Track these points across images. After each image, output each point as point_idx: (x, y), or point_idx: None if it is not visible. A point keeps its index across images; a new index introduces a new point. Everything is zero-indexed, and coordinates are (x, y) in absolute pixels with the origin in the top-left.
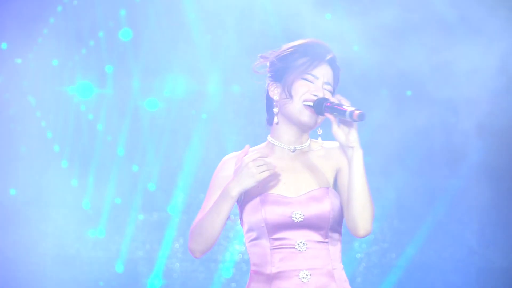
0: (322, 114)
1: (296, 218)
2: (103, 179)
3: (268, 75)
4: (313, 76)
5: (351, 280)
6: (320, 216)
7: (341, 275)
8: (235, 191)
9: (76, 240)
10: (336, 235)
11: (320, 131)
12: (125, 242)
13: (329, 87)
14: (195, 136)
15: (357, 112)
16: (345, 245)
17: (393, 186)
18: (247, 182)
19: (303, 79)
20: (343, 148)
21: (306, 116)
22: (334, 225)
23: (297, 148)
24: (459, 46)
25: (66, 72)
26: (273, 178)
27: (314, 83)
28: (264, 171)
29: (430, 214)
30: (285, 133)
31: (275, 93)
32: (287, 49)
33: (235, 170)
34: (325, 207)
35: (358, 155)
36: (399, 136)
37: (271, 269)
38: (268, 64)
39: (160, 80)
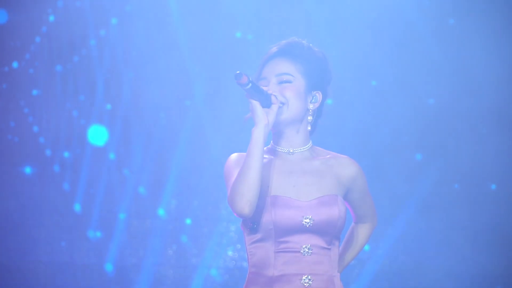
0: (268, 106)
1: (306, 223)
2: (94, 185)
3: None
4: (263, 79)
5: (345, 286)
6: (329, 223)
7: (339, 282)
8: (257, 126)
9: (68, 247)
10: (337, 243)
11: (309, 128)
12: (118, 249)
13: (286, 77)
14: (185, 141)
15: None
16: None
17: (386, 192)
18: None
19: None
20: None
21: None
22: (338, 233)
23: (296, 151)
24: None
25: (58, 80)
26: (281, 180)
27: (268, 86)
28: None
29: (424, 221)
30: (276, 137)
31: None
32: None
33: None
34: (334, 214)
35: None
36: (391, 141)
37: (273, 272)
38: None
39: (149, 86)
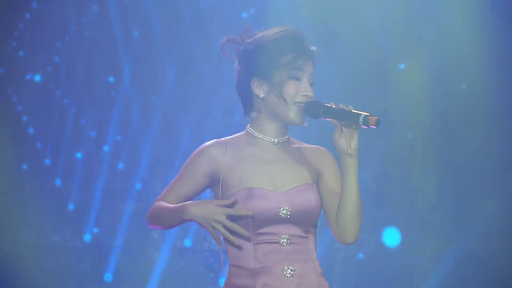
0: (315, 117)
1: (283, 213)
2: (85, 171)
3: (244, 67)
4: (301, 71)
5: (330, 270)
6: (306, 212)
7: (319, 268)
8: (188, 216)
9: (54, 230)
10: (314, 230)
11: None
12: (104, 232)
13: (312, 79)
14: (172, 127)
15: (374, 117)
16: (323, 235)
17: (372, 176)
18: (202, 222)
19: (291, 78)
20: (341, 155)
21: (299, 116)
22: (315, 220)
23: (280, 141)
24: None
25: (45, 65)
26: (257, 171)
27: (301, 80)
28: (221, 229)
29: (409, 204)
30: (268, 126)
31: (261, 90)
32: (268, 41)
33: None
34: (311, 203)
35: (356, 164)
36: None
37: (254, 264)
38: (242, 52)
39: (141, 74)
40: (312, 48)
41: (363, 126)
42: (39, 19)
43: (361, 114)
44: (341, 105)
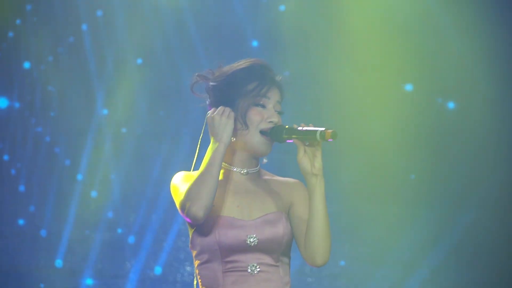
0: (281, 141)
1: (250, 241)
2: (61, 203)
3: (212, 99)
4: (266, 98)
5: None
6: (274, 240)
7: None
8: (225, 139)
9: (29, 258)
10: (286, 259)
11: (265, 161)
12: (80, 263)
13: (279, 107)
14: (149, 157)
15: (330, 131)
16: (296, 268)
17: (348, 212)
18: (217, 128)
19: (256, 105)
20: (306, 176)
21: (263, 144)
22: (286, 250)
23: (249, 172)
24: None
25: (24, 88)
26: (226, 201)
27: (267, 107)
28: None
29: (384, 238)
30: (236, 157)
31: None
32: (233, 72)
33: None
34: (279, 231)
35: (321, 184)
36: (358, 165)
37: None
38: (210, 86)
39: (119, 102)
40: (278, 76)
41: (320, 140)
42: (14, 47)
43: (318, 129)
44: (302, 124)
